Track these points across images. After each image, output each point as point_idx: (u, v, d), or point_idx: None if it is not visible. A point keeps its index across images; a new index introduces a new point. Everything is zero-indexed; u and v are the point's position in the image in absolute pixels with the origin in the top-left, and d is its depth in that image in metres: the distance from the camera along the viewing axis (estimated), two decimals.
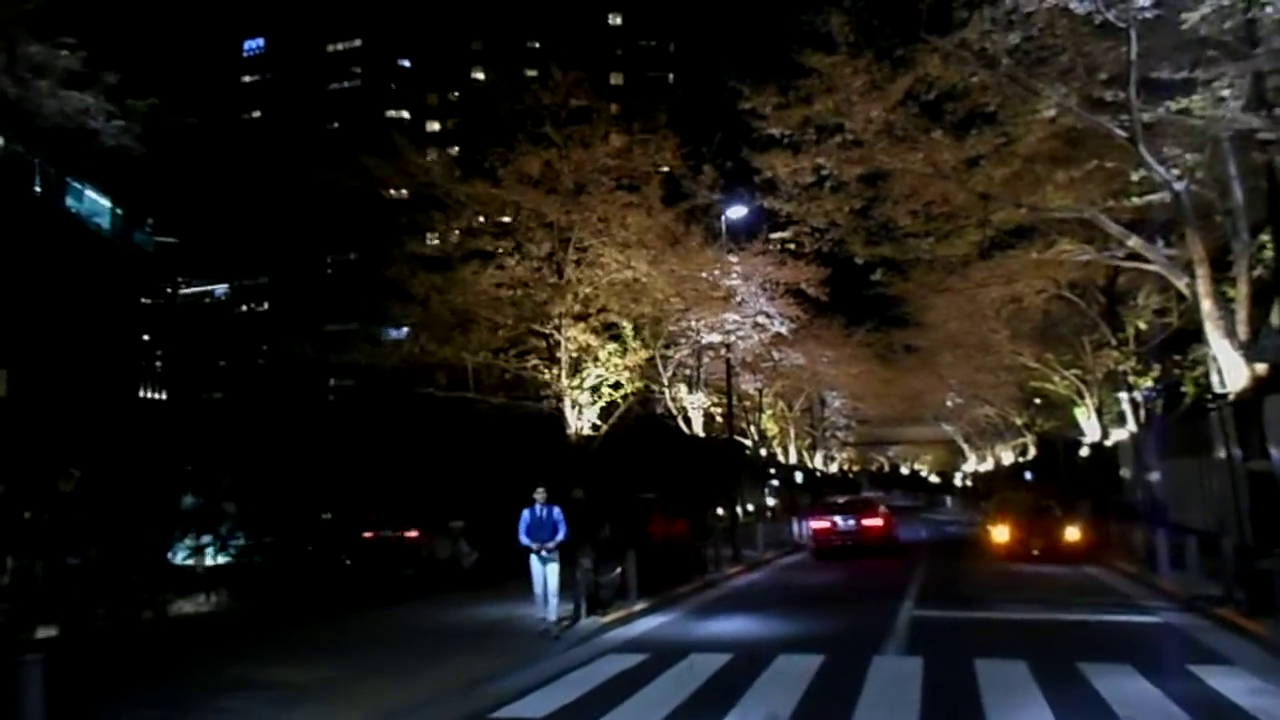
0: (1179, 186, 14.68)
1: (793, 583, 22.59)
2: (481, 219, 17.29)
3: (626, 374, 18.19)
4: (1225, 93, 13.70)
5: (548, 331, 17.24)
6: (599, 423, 17.72)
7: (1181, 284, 15.32)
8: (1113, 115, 15.02)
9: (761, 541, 29.80)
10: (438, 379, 18.21)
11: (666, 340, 24.96)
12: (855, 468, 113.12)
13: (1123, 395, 30.18)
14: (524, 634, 14.31)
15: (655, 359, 25.43)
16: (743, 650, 12.80)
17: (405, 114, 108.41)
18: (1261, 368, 14.24)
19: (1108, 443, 31.73)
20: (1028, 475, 48.12)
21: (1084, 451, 40.94)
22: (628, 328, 18.59)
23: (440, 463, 24.43)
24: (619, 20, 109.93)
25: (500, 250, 17.26)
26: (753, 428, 36.19)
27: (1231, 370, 14.73)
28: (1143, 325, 22.67)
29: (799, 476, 50.23)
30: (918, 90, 16.96)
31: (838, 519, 29.01)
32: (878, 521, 29.37)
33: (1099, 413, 29.40)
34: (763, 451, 38.06)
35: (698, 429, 26.64)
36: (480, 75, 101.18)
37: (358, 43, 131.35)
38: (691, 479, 25.04)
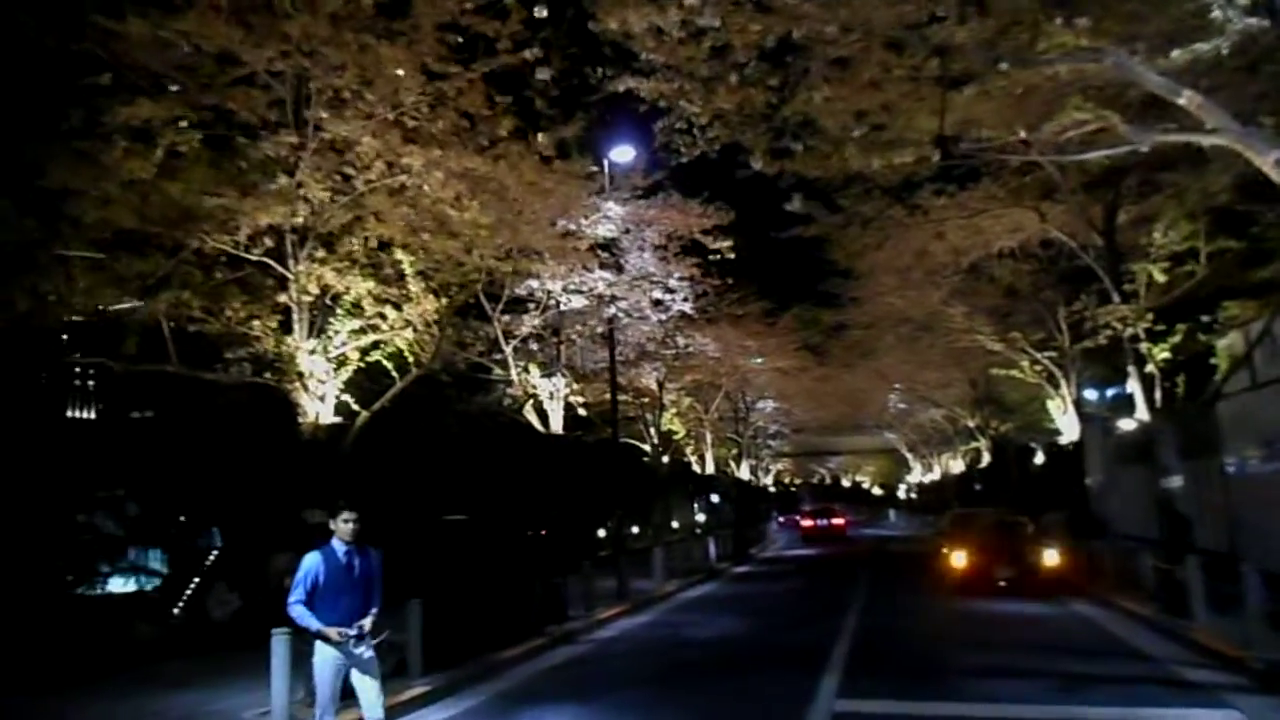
0: None
1: (683, 632, 16.36)
2: (165, 81, 10.79)
3: (410, 334, 11.76)
4: None
5: (255, 258, 10.79)
6: (359, 408, 11.27)
7: (1267, 162, 9.37)
8: None
9: (661, 569, 23.70)
10: (127, 345, 11.73)
11: (501, 297, 18.44)
12: (797, 481, 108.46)
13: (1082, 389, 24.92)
14: None
15: (497, 332, 18.98)
16: None
17: None
18: None
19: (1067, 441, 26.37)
20: (977, 486, 43.24)
21: (1039, 458, 35.98)
22: (406, 262, 12.08)
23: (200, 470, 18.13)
24: None
25: (185, 126, 10.70)
26: (652, 429, 29.79)
27: None
28: (1158, 274, 16.77)
29: (734, 490, 44.41)
30: None
31: (818, 520, 52.91)
32: (840, 520, 53.49)
33: (1077, 405, 23.57)
34: (665, 459, 31.64)
35: (556, 426, 20.24)
36: None
37: None
38: (550, 493, 18.74)
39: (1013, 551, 20.12)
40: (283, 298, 10.84)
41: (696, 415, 36.27)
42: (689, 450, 39.85)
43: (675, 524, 39.84)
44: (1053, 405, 25.19)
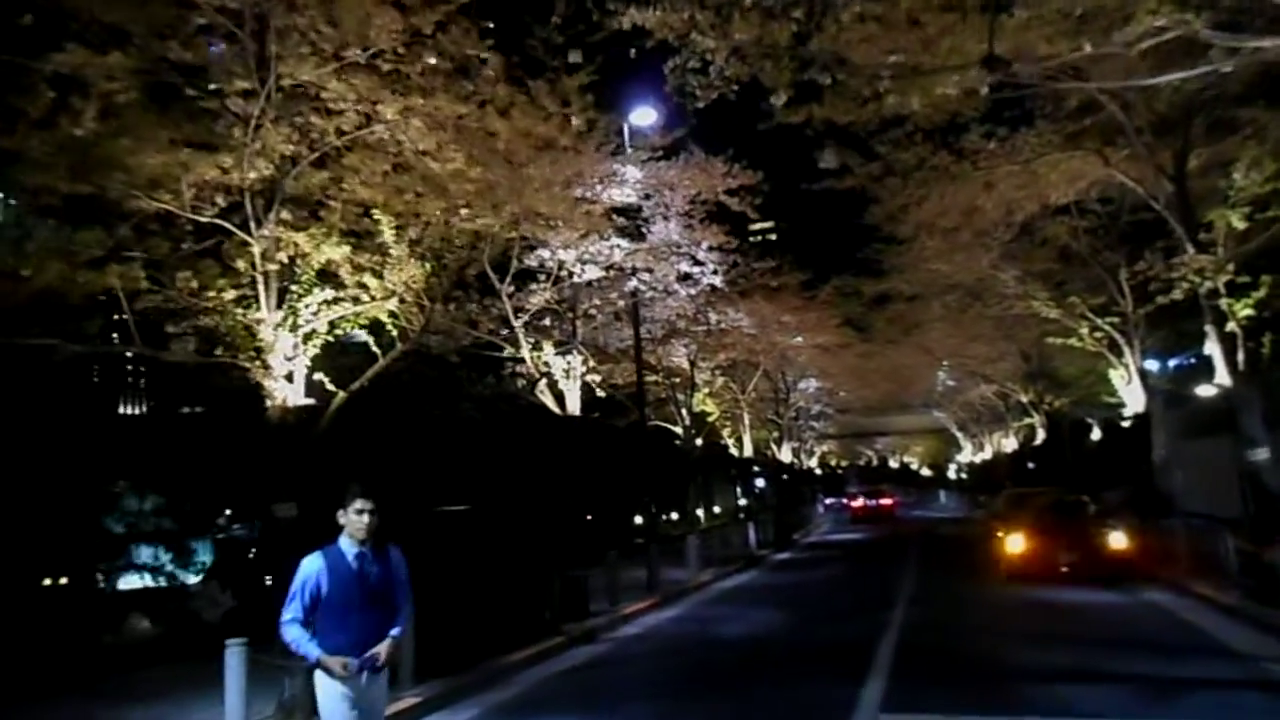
0: None
1: (713, 629, 15.04)
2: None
3: (395, 304, 10.51)
4: None
5: (206, 220, 9.58)
6: (334, 387, 10.04)
7: None
8: None
9: (695, 558, 22.43)
10: (88, 326, 10.67)
11: (509, 269, 17.07)
12: (844, 462, 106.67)
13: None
14: None
15: (506, 307, 17.67)
16: None
17: None
18: None
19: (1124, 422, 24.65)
20: (1031, 465, 41.39)
21: (1095, 434, 34.17)
22: (385, 224, 10.78)
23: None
24: None
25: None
26: (684, 411, 28.30)
27: None
28: (1237, 221, 15.00)
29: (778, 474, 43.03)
30: None
31: (867, 501, 56.18)
32: (889, 501, 56.28)
33: (1143, 374, 21.76)
34: (699, 441, 30.14)
35: (574, 408, 18.79)
36: None
37: None
38: (571, 480, 17.44)
39: (1075, 534, 18.52)
40: (242, 265, 9.61)
41: (732, 395, 34.76)
42: (725, 433, 38.34)
43: (716, 509, 38.54)
44: (1115, 375, 23.40)
